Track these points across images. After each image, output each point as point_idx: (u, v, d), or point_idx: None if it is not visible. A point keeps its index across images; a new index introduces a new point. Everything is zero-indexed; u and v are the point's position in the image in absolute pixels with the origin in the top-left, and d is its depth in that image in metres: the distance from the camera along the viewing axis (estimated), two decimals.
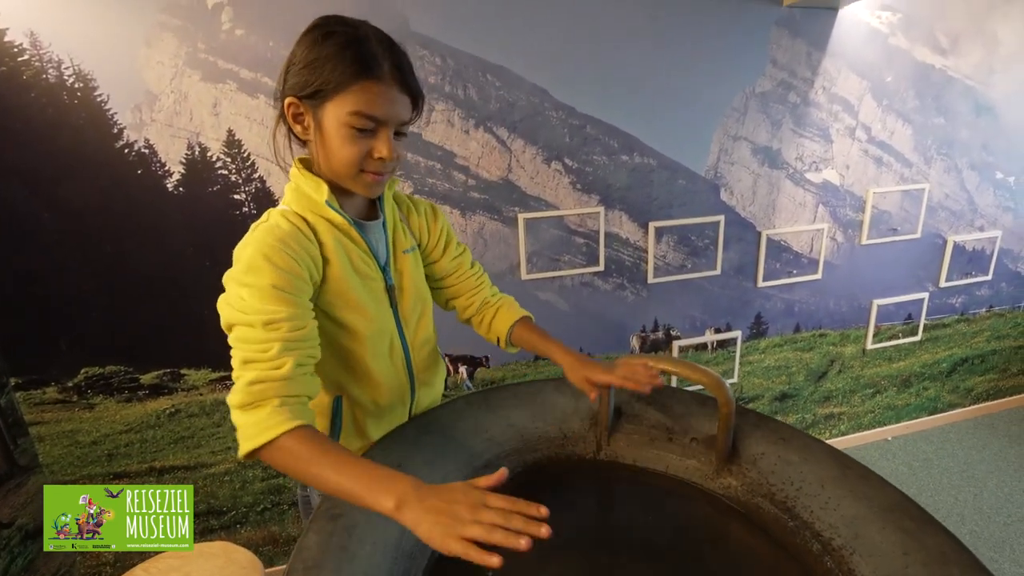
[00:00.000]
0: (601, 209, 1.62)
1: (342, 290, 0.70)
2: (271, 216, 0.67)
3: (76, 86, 1.20)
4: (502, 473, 0.48)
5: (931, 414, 2.27)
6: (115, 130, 1.25)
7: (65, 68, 1.19)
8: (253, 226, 0.67)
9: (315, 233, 0.68)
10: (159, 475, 1.49)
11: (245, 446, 0.54)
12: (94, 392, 1.40)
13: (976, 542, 1.69)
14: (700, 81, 1.60)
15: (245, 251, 0.61)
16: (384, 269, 0.76)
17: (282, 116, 0.66)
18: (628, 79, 1.54)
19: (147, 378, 1.43)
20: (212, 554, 1.25)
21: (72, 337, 1.35)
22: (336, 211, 0.68)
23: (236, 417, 0.55)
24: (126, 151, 1.27)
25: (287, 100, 0.64)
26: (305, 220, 0.68)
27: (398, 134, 0.67)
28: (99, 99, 1.23)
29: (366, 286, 0.73)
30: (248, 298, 0.58)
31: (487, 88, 1.45)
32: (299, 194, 0.69)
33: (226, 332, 0.59)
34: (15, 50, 1.16)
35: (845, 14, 1.66)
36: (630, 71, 1.53)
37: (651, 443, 0.80)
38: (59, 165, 1.23)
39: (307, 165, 0.71)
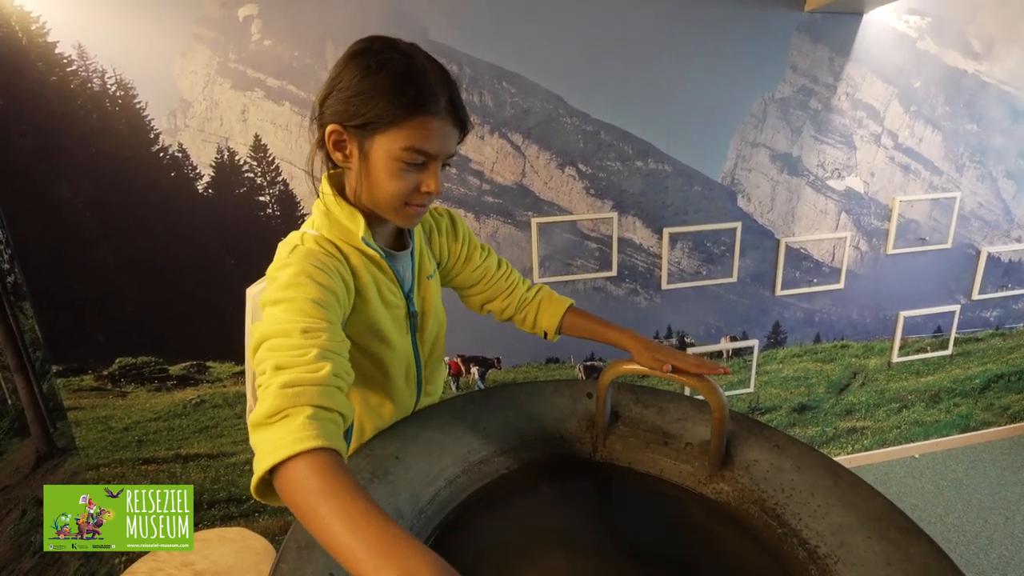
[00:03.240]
0: (615, 214, 1.63)
1: (371, 320, 0.69)
2: (305, 240, 0.65)
3: (118, 94, 1.29)
4: None
5: (962, 432, 2.17)
6: (152, 135, 1.33)
7: (108, 77, 1.28)
8: (287, 247, 0.65)
9: (348, 262, 0.67)
10: (184, 462, 1.56)
11: (262, 464, 0.43)
12: (127, 381, 1.48)
13: (1005, 568, 1.61)
14: (717, 87, 1.59)
15: (285, 271, 0.59)
16: (408, 296, 0.76)
17: (320, 142, 0.64)
18: (643, 85, 1.54)
19: (175, 369, 1.51)
20: (230, 539, 1.31)
21: (108, 329, 1.43)
22: (371, 246, 0.67)
23: (259, 435, 0.46)
24: (161, 155, 1.35)
25: (330, 127, 0.61)
26: (337, 247, 0.67)
27: (443, 166, 0.65)
28: (138, 106, 1.31)
29: (391, 314, 0.73)
30: (284, 312, 0.54)
31: (502, 95, 1.48)
32: (331, 220, 0.67)
33: (252, 354, 0.54)
34: (64, 61, 1.25)
35: (870, 19, 1.63)
36: (645, 77, 1.54)
37: (646, 446, 0.81)
38: (101, 167, 1.32)
39: (337, 186, 0.69)
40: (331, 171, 0.70)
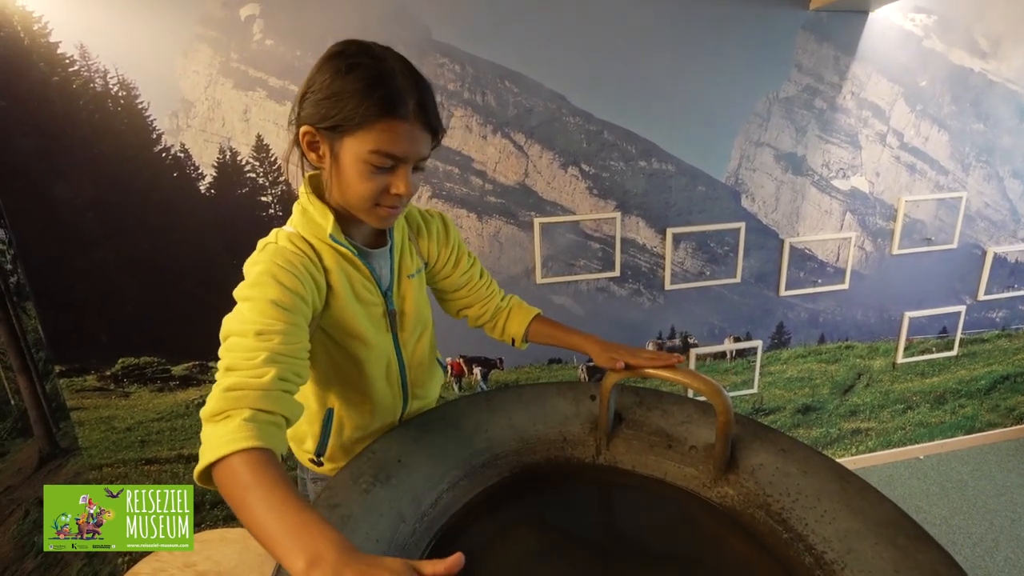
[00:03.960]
0: (618, 215, 1.62)
1: (343, 317, 0.70)
2: (279, 238, 0.67)
3: (120, 94, 1.29)
4: (457, 559, 0.40)
5: (967, 433, 2.16)
6: (154, 135, 1.33)
7: (110, 78, 1.28)
8: (261, 244, 0.67)
9: (320, 259, 0.68)
10: (187, 462, 1.56)
11: (203, 460, 0.48)
12: (130, 381, 1.48)
13: (1011, 571, 1.60)
14: (721, 87, 1.58)
15: (254, 268, 0.61)
16: (386, 294, 0.76)
17: (296, 142, 0.65)
18: (647, 84, 1.54)
19: (178, 370, 1.50)
20: (232, 540, 1.31)
21: (111, 329, 1.43)
22: (340, 244, 0.68)
23: (204, 431, 0.50)
24: (163, 155, 1.35)
25: (303, 128, 0.63)
26: (311, 245, 0.68)
27: (415, 168, 0.66)
28: (140, 106, 1.31)
29: (367, 312, 0.73)
30: (247, 311, 0.57)
31: (505, 94, 1.47)
32: (307, 218, 0.68)
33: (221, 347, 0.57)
34: (66, 61, 1.25)
35: (876, 17, 1.62)
36: (649, 76, 1.53)
37: (650, 449, 0.80)
38: (102, 168, 1.32)
39: (315, 186, 0.70)
40: (312, 172, 0.71)
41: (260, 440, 0.48)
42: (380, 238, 0.77)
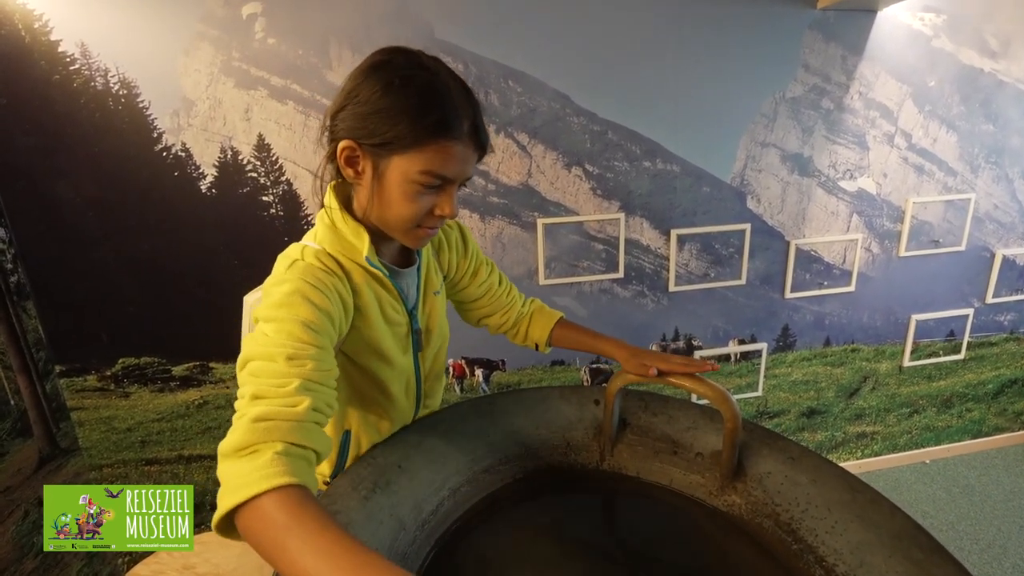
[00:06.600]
0: (621, 215, 1.60)
1: (371, 339, 0.67)
2: (304, 255, 0.62)
3: (120, 93, 1.28)
4: None
5: (974, 437, 2.13)
6: (155, 134, 1.32)
7: (111, 76, 1.27)
8: (285, 261, 0.62)
9: (349, 279, 0.64)
10: (187, 463, 1.56)
11: (227, 501, 0.41)
12: (130, 381, 1.48)
13: None
14: (727, 86, 1.56)
15: (280, 287, 0.56)
16: (411, 313, 0.73)
17: (330, 156, 0.61)
18: (651, 84, 1.52)
19: (178, 370, 1.50)
20: (232, 542, 1.30)
21: (111, 329, 1.43)
22: (375, 266, 0.65)
23: (225, 467, 0.44)
24: (164, 154, 1.34)
25: (343, 143, 0.58)
26: (339, 264, 0.64)
27: (459, 186, 0.63)
28: (141, 105, 1.30)
29: (392, 332, 0.71)
30: (273, 333, 0.51)
31: (509, 94, 1.46)
32: (336, 235, 0.64)
33: (239, 371, 0.52)
34: (67, 59, 1.24)
35: (884, 16, 1.60)
36: (654, 76, 1.51)
37: (655, 456, 0.79)
38: (103, 167, 1.31)
39: (343, 199, 0.65)
40: (337, 181, 0.66)
41: (295, 476, 0.42)
42: (408, 256, 0.74)
